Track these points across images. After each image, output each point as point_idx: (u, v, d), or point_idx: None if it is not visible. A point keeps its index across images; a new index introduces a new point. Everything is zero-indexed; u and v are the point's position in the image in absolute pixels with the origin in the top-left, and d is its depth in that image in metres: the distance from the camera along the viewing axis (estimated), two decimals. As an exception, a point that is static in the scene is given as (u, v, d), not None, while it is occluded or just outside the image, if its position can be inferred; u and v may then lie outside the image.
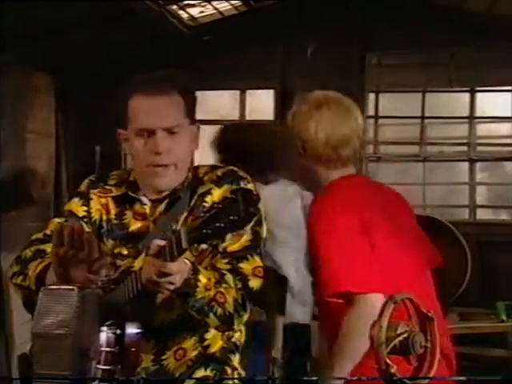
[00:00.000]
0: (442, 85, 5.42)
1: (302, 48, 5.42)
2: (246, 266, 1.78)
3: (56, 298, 1.39)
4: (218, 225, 1.46)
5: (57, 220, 1.93)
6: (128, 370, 1.66)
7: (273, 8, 5.29)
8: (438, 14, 5.16)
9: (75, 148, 5.38)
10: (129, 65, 5.33)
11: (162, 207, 1.86)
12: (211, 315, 1.71)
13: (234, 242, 1.77)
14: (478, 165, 5.46)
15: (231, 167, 1.92)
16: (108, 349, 1.60)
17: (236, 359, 1.88)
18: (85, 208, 1.92)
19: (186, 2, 4.89)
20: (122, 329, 1.64)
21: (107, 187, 1.94)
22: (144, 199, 1.89)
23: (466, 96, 5.44)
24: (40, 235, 1.93)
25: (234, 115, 5.65)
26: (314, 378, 1.73)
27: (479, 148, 5.44)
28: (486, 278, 4.84)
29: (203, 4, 5.06)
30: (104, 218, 1.90)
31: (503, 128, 5.51)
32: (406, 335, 1.85)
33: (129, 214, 1.89)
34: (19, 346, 4.22)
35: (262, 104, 5.75)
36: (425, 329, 1.91)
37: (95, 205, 1.92)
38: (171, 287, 1.61)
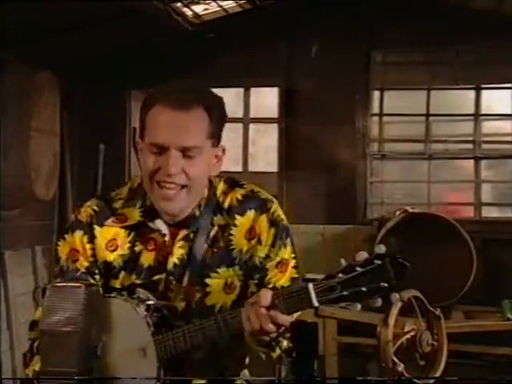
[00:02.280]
0: (447, 82, 5.41)
1: (306, 46, 5.41)
2: None
3: (63, 295, 1.38)
4: (358, 289, 1.41)
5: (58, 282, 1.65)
6: None
7: (277, 6, 5.27)
8: (443, 11, 5.14)
9: (79, 146, 5.38)
10: (133, 63, 5.36)
11: (180, 237, 1.71)
12: (277, 349, 1.66)
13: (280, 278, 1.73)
14: (484, 162, 5.43)
15: (251, 186, 1.77)
16: None
17: (247, 360, 1.90)
18: (91, 246, 1.72)
19: (191, 0, 4.88)
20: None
21: (116, 215, 1.74)
22: (163, 228, 1.72)
23: (472, 93, 5.41)
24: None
25: (238, 113, 5.64)
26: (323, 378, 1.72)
27: (484, 146, 5.42)
28: (492, 275, 4.82)
29: (207, 1, 5.05)
30: (113, 256, 1.72)
31: (509, 125, 5.48)
32: (413, 333, 1.84)
33: (144, 244, 1.72)
34: (21, 344, 4.23)
35: (266, 102, 5.74)
36: (432, 327, 1.90)
37: (101, 242, 1.72)
38: (274, 336, 1.57)
